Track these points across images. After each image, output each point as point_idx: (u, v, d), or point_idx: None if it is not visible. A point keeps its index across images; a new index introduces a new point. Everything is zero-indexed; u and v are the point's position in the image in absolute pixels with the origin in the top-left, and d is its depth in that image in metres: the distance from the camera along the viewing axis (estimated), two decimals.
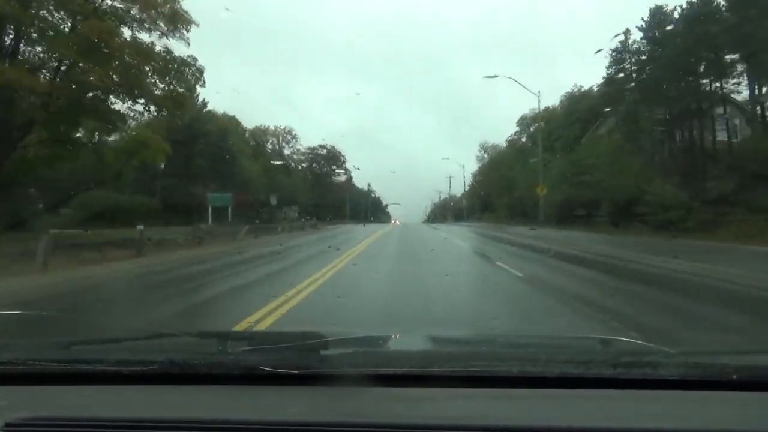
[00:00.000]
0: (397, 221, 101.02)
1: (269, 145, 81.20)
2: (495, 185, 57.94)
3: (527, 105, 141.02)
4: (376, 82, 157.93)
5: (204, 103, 61.11)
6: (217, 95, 72.09)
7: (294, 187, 76.81)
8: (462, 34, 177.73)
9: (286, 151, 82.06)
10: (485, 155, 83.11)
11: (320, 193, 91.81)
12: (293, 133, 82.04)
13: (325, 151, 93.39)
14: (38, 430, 1.24)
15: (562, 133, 54.00)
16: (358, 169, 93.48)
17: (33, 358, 1.55)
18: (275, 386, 1.39)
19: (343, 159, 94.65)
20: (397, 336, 2.42)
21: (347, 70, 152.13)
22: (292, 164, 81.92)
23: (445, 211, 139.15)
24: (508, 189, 49.67)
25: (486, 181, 68.54)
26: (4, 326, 4.71)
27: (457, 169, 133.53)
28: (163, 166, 57.59)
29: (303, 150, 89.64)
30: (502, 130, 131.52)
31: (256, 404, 1.34)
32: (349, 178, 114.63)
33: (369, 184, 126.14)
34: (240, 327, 5.40)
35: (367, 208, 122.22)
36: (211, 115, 69.36)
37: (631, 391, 1.33)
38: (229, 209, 36.92)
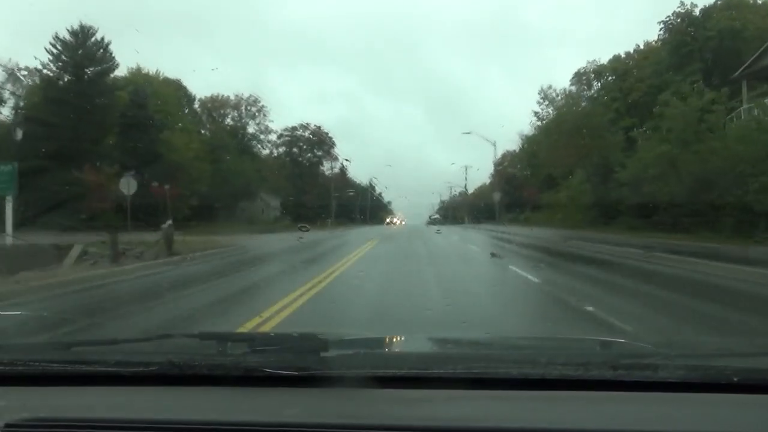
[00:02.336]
0: (397, 221, 78.70)
1: (229, 120, 60.54)
2: (564, 160, 34.01)
3: (521, 94, 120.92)
4: (356, 74, 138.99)
5: (102, 44, 40.34)
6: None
7: (257, 176, 55.83)
8: (445, 18, 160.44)
9: (251, 129, 61.42)
10: (549, 110, 44.60)
11: (302, 186, 71.29)
12: (260, 104, 61.42)
13: (307, 132, 72.59)
14: (38, 431, 1.24)
15: (667, 78, 32.54)
16: (348, 161, 72.76)
17: (33, 358, 1.55)
18: (275, 388, 1.38)
19: (330, 143, 73.99)
20: (397, 338, 2.40)
21: (324, 62, 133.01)
22: (259, 145, 61.35)
23: (458, 210, 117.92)
24: (602, 168, 28.52)
25: (551, 155, 38.37)
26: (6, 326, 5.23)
27: (471, 158, 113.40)
28: (20, 135, 35.18)
29: (279, 131, 69.28)
30: (501, 119, 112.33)
31: (255, 406, 1.34)
32: (343, 169, 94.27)
33: (371, 180, 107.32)
34: None
35: (366, 207, 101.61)
36: (133, 74, 48.23)
37: (630, 394, 1.32)
38: (9, 201, 15.38)
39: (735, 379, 1.33)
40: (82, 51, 39.83)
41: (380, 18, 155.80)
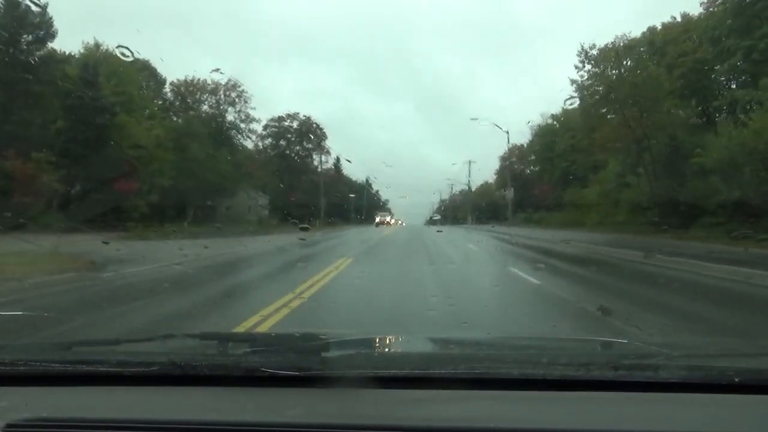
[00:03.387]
0: (390, 220, 69.81)
1: (206, 107, 53.56)
2: (612, 142, 24.43)
3: (521, 91, 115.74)
4: (353, 74, 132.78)
5: (39, 3, 33.50)
6: None
7: (238, 169, 49.24)
8: (444, 17, 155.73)
9: (230, 117, 54.21)
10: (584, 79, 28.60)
11: (290, 182, 64.81)
12: (240, 87, 54.09)
13: (295, 123, 65.66)
14: (40, 431, 1.24)
15: (729, 45, 26.29)
16: (349, 161, 65.37)
17: (35, 359, 1.55)
18: (276, 388, 1.37)
19: (321, 136, 67.27)
20: (398, 338, 2.37)
21: (318, 60, 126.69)
22: (239, 135, 54.31)
23: (459, 210, 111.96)
24: (668, 153, 21.25)
25: (594, 136, 28.20)
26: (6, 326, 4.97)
27: (472, 157, 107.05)
28: None
29: (264, 121, 62.80)
30: (502, 117, 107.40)
31: (257, 406, 1.33)
32: (337, 166, 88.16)
33: (367, 178, 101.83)
34: None
35: (362, 206, 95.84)
36: (89, 51, 41.68)
37: (632, 394, 1.31)
38: None
39: (736, 380, 1.31)
40: (12, 14, 32.85)
41: (377, 17, 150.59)
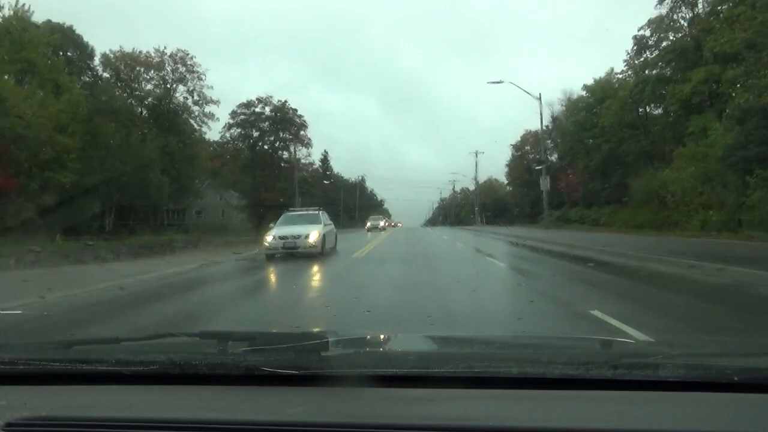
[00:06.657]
0: (384, 225, 54.68)
1: (150, 86, 42.36)
2: None
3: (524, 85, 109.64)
4: (348, 74, 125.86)
5: None
6: None
7: (184, 163, 38.12)
8: (440, 21, 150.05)
9: (180, 96, 42.95)
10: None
11: (264, 180, 54.17)
12: (191, 57, 42.84)
13: (268, 109, 54.50)
14: (39, 430, 1.23)
15: None
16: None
17: (34, 357, 1.54)
18: (276, 387, 1.37)
19: (300, 124, 56.27)
20: (398, 336, 2.39)
21: (269, 52, 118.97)
22: (191, 121, 42.92)
23: (462, 209, 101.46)
24: None
25: None
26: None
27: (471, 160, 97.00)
28: None
29: (229, 108, 51.98)
30: (503, 117, 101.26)
31: (256, 405, 1.32)
32: (325, 162, 77.47)
33: (362, 177, 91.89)
34: None
35: (355, 206, 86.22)
36: None
37: (631, 393, 1.30)
38: None
39: (735, 379, 1.30)
40: None
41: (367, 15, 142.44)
